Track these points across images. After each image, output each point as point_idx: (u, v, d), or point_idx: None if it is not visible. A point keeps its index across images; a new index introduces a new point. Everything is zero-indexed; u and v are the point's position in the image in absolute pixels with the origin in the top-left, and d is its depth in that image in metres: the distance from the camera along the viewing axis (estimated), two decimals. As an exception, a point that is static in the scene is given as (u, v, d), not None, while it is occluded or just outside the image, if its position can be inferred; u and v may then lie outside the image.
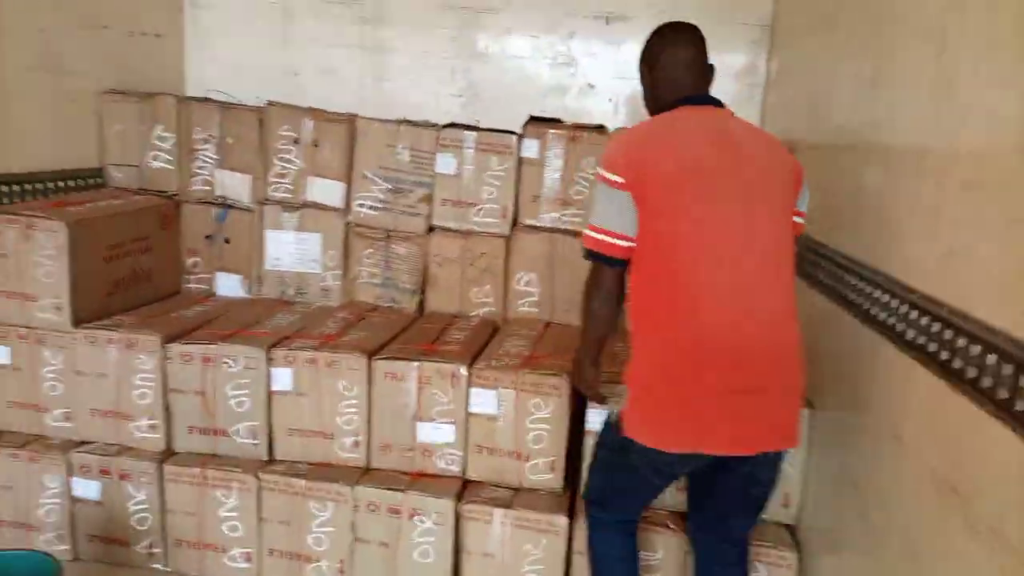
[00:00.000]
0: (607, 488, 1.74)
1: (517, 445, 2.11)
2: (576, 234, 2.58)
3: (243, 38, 3.09)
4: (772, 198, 1.54)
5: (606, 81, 2.97)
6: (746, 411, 1.49)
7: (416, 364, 2.11)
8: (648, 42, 1.70)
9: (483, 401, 2.10)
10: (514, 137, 2.60)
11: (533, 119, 2.68)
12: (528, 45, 2.97)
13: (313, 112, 2.64)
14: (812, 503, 2.02)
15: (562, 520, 2.00)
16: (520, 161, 2.60)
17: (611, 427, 1.64)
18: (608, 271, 1.56)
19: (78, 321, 2.14)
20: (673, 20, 1.71)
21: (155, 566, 2.16)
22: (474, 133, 2.61)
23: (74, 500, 2.14)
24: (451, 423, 2.12)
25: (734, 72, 2.85)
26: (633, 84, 2.90)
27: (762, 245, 1.50)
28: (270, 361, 2.13)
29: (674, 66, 1.63)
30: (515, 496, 2.09)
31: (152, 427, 2.15)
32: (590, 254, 1.58)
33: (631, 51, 2.84)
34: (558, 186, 2.60)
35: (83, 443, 2.18)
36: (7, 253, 2.10)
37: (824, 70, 2.20)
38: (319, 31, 3.05)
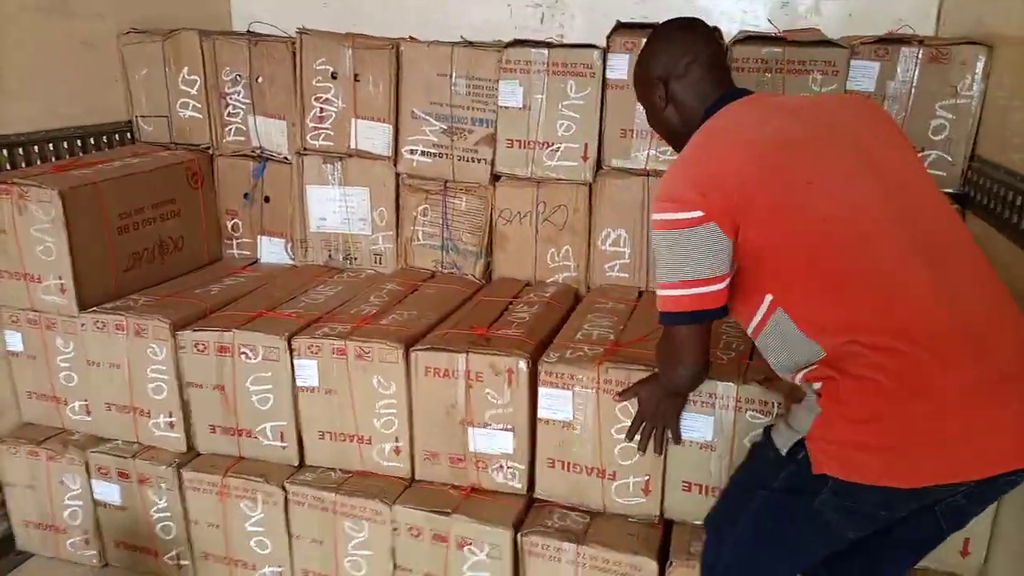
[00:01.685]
0: (760, 546, 1.26)
1: (600, 460, 1.64)
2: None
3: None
4: (893, 149, 1.23)
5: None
6: (1014, 403, 1.06)
7: (463, 357, 1.67)
8: (654, 55, 1.38)
9: (554, 404, 1.64)
10: (596, 52, 2.02)
11: (621, 26, 2.09)
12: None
13: (352, 39, 2.19)
14: (1005, 555, 1.43)
15: (651, 565, 1.53)
16: (605, 84, 2.03)
17: (783, 458, 1.19)
18: (699, 328, 1.25)
19: (86, 303, 1.87)
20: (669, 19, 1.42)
21: (183, 582, 1.92)
22: (544, 51, 2.06)
23: (96, 503, 1.92)
24: (508, 430, 1.68)
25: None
26: None
27: (918, 200, 1.18)
28: (292, 351, 1.77)
29: (700, 72, 1.34)
30: (592, 524, 1.64)
31: (171, 424, 1.87)
32: (674, 318, 1.24)
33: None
34: (654, 115, 2.01)
35: (103, 440, 1.93)
36: (4, 228, 1.84)
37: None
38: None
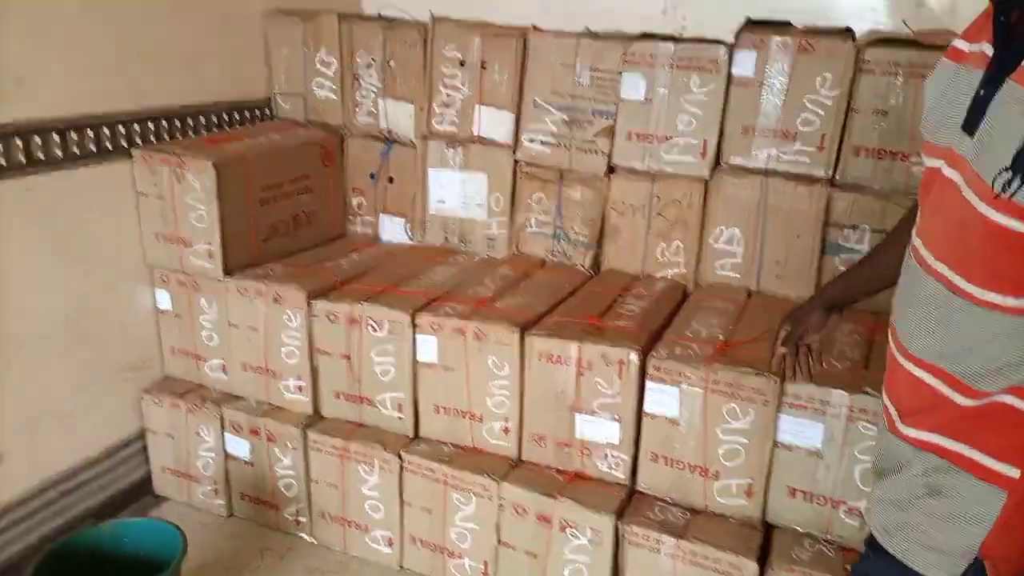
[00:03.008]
0: None
1: (703, 459, 1.68)
2: (798, 178, 1.99)
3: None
4: None
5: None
6: None
7: (576, 345, 1.74)
8: None
9: (661, 400, 1.69)
10: (722, 49, 2.02)
11: (751, 23, 2.07)
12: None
13: (481, 27, 2.25)
14: None
15: (751, 566, 1.56)
16: (730, 80, 2.03)
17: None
18: None
19: (229, 269, 2.03)
20: None
21: (302, 535, 2.08)
22: (671, 45, 2.07)
23: (227, 456, 2.10)
24: (615, 420, 1.74)
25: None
26: None
27: None
28: (415, 327, 1.87)
29: None
30: (692, 520, 1.68)
31: (300, 388, 2.02)
32: None
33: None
34: (780, 113, 2.00)
35: (237, 398, 2.11)
36: (163, 195, 2.01)
37: None
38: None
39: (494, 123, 2.27)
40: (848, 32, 1.98)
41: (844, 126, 1.95)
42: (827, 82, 1.94)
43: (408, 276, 2.11)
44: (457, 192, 2.36)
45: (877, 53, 1.90)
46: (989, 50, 0.89)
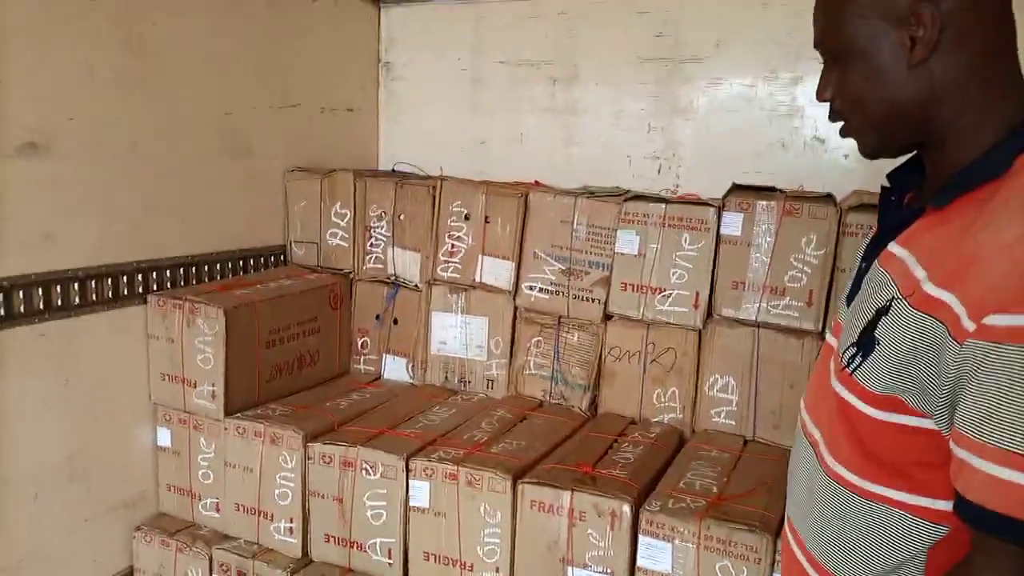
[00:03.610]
0: None
1: (695, 616, 1.63)
2: (789, 331, 2.06)
3: (433, 107, 3.00)
4: None
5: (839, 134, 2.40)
6: None
7: (568, 494, 1.74)
8: None
9: (653, 555, 1.66)
10: (711, 210, 2.15)
11: (737, 187, 2.22)
12: (741, 95, 2.51)
13: (487, 185, 2.42)
14: None
15: None
16: (719, 239, 2.15)
17: None
18: None
19: (231, 410, 2.08)
20: None
21: None
22: (662, 206, 2.20)
23: (215, 600, 2.05)
24: (607, 574, 1.70)
25: None
26: None
27: None
28: (408, 472, 1.89)
29: (1015, 54, 0.84)
30: None
31: (290, 530, 2.00)
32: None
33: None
34: (768, 270, 2.10)
35: (228, 538, 2.08)
36: (173, 338, 2.10)
37: None
38: (508, 95, 2.86)
39: (496, 271, 2.39)
40: (830, 197, 2.11)
41: (831, 283, 2.04)
42: (812, 242, 2.05)
43: (406, 417, 2.15)
44: (458, 334, 2.43)
45: (859, 217, 2.01)
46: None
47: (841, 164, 2.39)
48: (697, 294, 2.16)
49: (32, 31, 1.76)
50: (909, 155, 0.97)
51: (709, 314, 2.16)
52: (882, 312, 0.80)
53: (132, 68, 2.02)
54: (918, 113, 0.84)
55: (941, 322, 0.73)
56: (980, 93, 0.82)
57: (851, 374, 0.82)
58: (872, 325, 0.81)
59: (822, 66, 0.99)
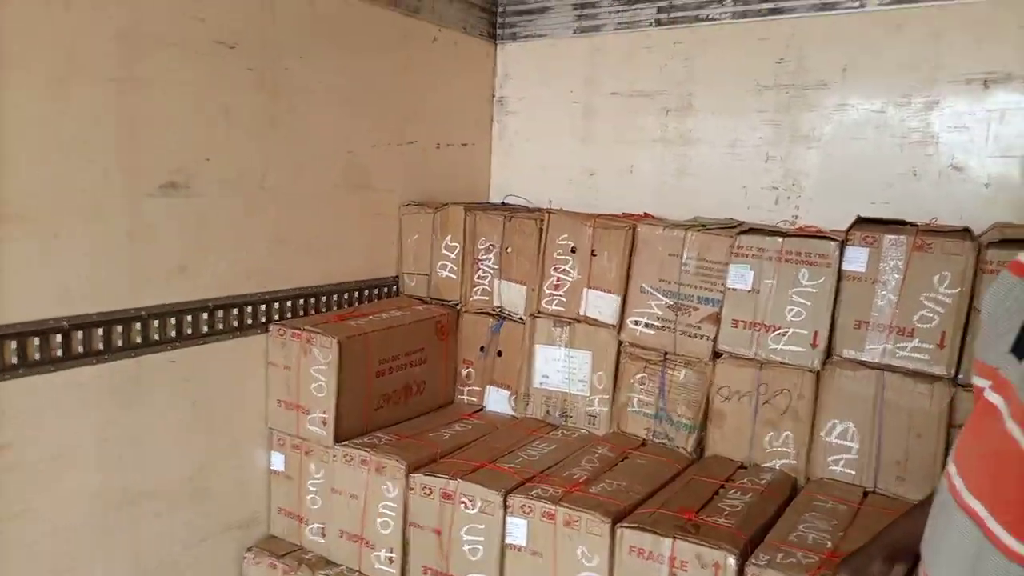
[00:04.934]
0: None
1: None
2: (918, 375, 1.89)
3: (545, 140, 3.03)
4: None
5: (980, 161, 2.20)
6: None
7: (669, 541, 1.66)
8: None
9: (757, 610, 1.56)
10: (833, 244, 2.02)
11: (862, 220, 2.07)
12: (869, 122, 2.36)
13: (594, 219, 2.40)
14: None
15: None
16: (840, 275, 2.01)
17: None
18: None
19: (340, 437, 2.15)
20: None
21: None
22: (778, 240, 2.09)
23: (317, 624, 2.11)
24: (710, 630, 1.61)
25: None
26: (1020, 164, 2.15)
27: None
28: (507, 508, 1.87)
29: None
30: None
31: (390, 560, 2.03)
32: None
33: (1021, 120, 2.10)
34: (895, 309, 1.94)
35: (331, 563, 2.15)
36: (290, 365, 2.20)
37: None
38: (619, 126, 2.84)
39: (601, 305, 2.35)
40: (967, 232, 1.93)
41: (966, 325, 1.85)
42: (946, 280, 1.88)
43: (506, 451, 2.14)
44: (561, 368, 2.41)
45: (1000, 253, 1.83)
46: None
47: (981, 194, 2.19)
48: (816, 333, 2.02)
49: (174, 77, 1.92)
50: None
51: (828, 355, 2.02)
52: None
53: (265, 110, 2.16)
54: None
55: None
56: None
57: None
58: None
59: None
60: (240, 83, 2.09)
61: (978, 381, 0.91)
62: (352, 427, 2.18)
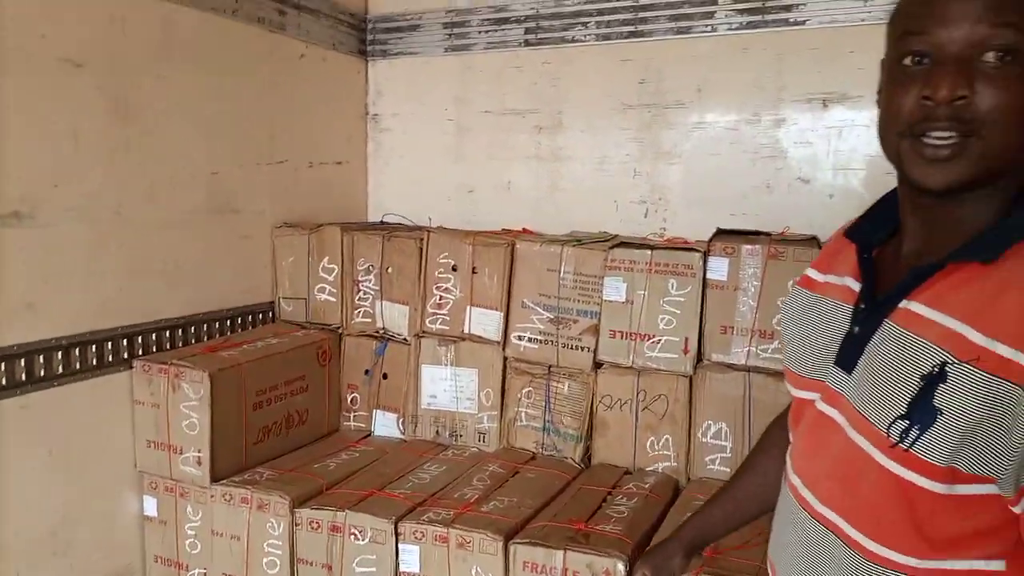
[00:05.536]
0: None
1: (692, 676, 1.58)
2: (779, 374, 2.03)
3: (421, 158, 3.02)
4: None
5: (823, 174, 2.41)
6: None
7: (560, 553, 1.70)
8: None
9: (646, 612, 1.62)
10: (697, 255, 2.14)
11: (721, 232, 2.21)
12: (724, 138, 2.52)
13: (473, 236, 2.42)
14: None
15: None
16: (705, 284, 2.13)
17: None
18: None
19: (217, 476, 2.04)
20: None
21: None
22: (647, 252, 2.20)
23: (202, 675, 1.99)
24: (604, 637, 1.66)
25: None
26: (857, 175, 2.37)
27: None
28: (398, 536, 1.85)
29: None
30: None
31: (279, 600, 1.96)
32: None
33: (855, 136, 2.31)
34: (754, 314, 2.08)
35: (215, 610, 2.04)
36: (159, 403, 2.07)
37: None
38: (494, 143, 2.88)
39: (484, 322, 2.37)
40: (814, 240, 2.10)
41: (818, 325, 2.02)
42: (797, 283, 2.03)
43: (396, 476, 2.11)
44: (448, 387, 2.41)
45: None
46: (855, 285, 0.90)
47: (826, 204, 2.39)
48: (686, 339, 2.14)
49: (17, 99, 1.77)
50: (874, 206, 0.96)
51: (699, 359, 2.14)
52: (935, 379, 0.76)
53: (117, 132, 2.02)
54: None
55: (1016, 384, 0.72)
56: None
57: (907, 449, 0.77)
58: (925, 394, 0.76)
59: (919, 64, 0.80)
60: (89, 104, 1.95)
61: (797, 392, 0.96)
62: (230, 464, 2.08)
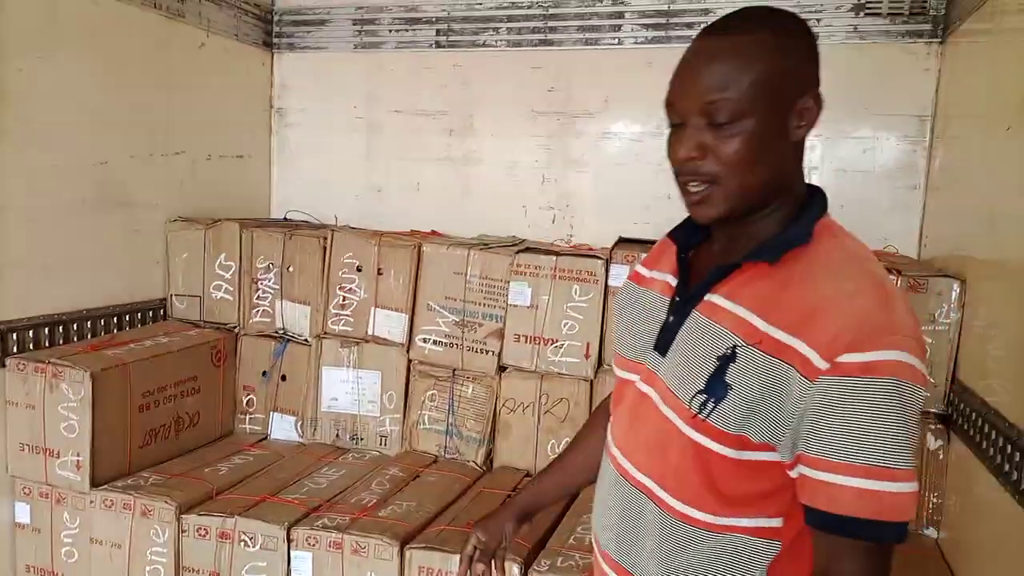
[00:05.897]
0: None
1: (583, 676, 1.61)
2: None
3: (328, 155, 2.96)
4: None
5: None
6: None
7: (457, 558, 1.68)
8: (816, 52, 0.94)
9: (542, 614, 1.64)
10: (599, 263, 2.19)
11: (622, 240, 2.27)
12: (630, 149, 2.59)
13: (379, 236, 2.38)
14: None
15: None
16: (607, 290, 2.18)
17: None
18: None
19: (98, 481, 1.93)
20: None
21: None
22: (552, 258, 2.23)
23: None
24: (499, 640, 1.66)
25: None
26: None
27: None
28: (290, 542, 1.80)
29: None
30: None
31: (163, 612, 1.87)
32: (901, 531, 0.83)
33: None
34: (653, 320, 2.14)
35: (92, 624, 1.93)
36: (34, 404, 1.94)
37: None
38: (404, 143, 2.85)
39: (389, 324, 2.34)
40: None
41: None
42: (694, 291, 2.11)
43: (291, 481, 2.06)
44: (350, 390, 2.36)
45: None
46: (673, 280, 1.02)
47: (723, 215, 2.49)
48: (588, 345, 2.18)
49: None
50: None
51: (599, 364, 2.18)
52: (727, 359, 0.89)
53: (-8, 117, 1.89)
54: (777, 182, 0.94)
55: (790, 364, 0.85)
56: (799, 168, 0.97)
57: (705, 419, 0.89)
58: (720, 372, 0.89)
59: (677, 126, 0.94)
60: (-39, 85, 1.81)
61: (621, 373, 1.07)
62: (112, 469, 1.97)
